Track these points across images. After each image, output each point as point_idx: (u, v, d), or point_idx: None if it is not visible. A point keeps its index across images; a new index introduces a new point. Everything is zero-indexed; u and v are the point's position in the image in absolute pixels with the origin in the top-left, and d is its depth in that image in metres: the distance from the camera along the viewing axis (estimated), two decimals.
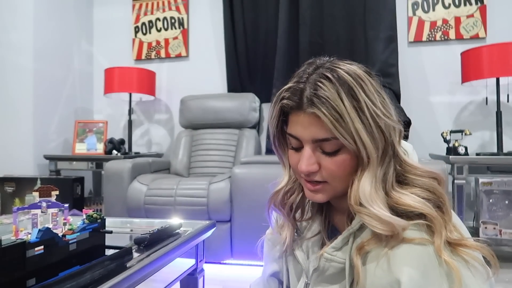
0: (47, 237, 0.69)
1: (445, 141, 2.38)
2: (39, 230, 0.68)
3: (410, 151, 0.71)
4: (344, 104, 0.58)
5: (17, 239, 0.66)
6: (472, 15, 2.68)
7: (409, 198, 0.60)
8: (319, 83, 0.60)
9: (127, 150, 3.00)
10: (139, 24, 3.33)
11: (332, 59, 0.66)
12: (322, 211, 0.75)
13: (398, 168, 0.64)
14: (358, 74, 0.61)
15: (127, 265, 0.80)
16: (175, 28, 3.26)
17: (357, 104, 0.59)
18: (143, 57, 3.32)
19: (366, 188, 0.60)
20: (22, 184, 2.57)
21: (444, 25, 2.73)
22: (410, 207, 0.59)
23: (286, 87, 0.64)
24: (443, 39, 2.74)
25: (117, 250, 0.86)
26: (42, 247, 0.68)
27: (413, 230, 0.58)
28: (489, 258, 0.58)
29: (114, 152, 2.83)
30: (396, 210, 0.60)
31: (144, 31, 3.32)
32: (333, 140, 0.60)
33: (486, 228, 2.21)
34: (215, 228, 1.28)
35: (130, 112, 3.05)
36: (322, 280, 0.66)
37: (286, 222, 0.75)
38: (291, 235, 0.74)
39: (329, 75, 0.60)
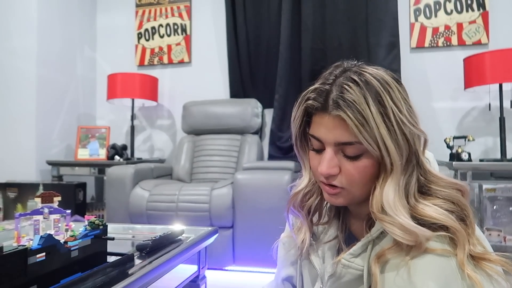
0: (49, 243, 0.69)
1: (448, 147, 2.37)
2: (41, 237, 0.68)
3: (432, 160, 0.70)
4: (370, 109, 0.57)
5: (18, 246, 0.66)
6: (474, 21, 2.68)
7: (432, 210, 0.58)
8: (346, 86, 0.59)
9: (129, 156, 3.00)
10: (142, 30, 3.35)
11: (360, 63, 0.65)
12: (339, 216, 0.74)
13: (421, 178, 0.63)
14: (386, 80, 0.61)
15: (129, 272, 0.80)
16: (178, 34, 3.27)
17: (383, 110, 0.58)
18: (146, 63, 3.33)
19: (390, 196, 0.58)
20: (25, 190, 2.57)
21: (446, 31, 2.74)
22: (433, 219, 0.57)
23: (312, 88, 0.64)
24: (445, 45, 2.73)
25: (119, 257, 0.86)
26: (43, 254, 0.68)
27: (435, 242, 0.56)
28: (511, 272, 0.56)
29: (117, 157, 2.83)
30: (418, 220, 0.58)
31: (147, 37, 3.34)
32: (356, 145, 0.59)
33: (490, 234, 2.20)
34: (217, 234, 1.27)
35: (133, 117, 3.06)
36: (338, 286, 0.65)
37: (303, 225, 0.74)
38: (308, 239, 0.73)
39: (357, 79, 0.60)
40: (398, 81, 0.63)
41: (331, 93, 0.60)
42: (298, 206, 0.73)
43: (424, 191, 0.62)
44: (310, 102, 0.63)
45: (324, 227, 0.75)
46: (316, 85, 0.63)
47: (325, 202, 0.74)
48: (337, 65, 0.65)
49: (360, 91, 0.58)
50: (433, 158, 0.72)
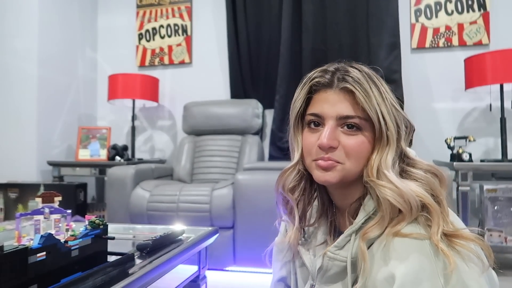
0: (49, 243, 0.69)
1: (449, 147, 2.37)
2: (41, 236, 0.68)
3: (412, 157, 0.71)
4: (372, 89, 0.64)
5: (19, 245, 0.66)
6: (475, 22, 2.68)
7: (414, 185, 0.62)
8: (349, 69, 0.67)
9: (130, 156, 3.00)
10: (143, 31, 3.35)
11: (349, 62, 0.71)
12: (327, 215, 0.76)
13: (400, 163, 0.67)
14: (375, 75, 0.68)
15: (129, 272, 0.80)
16: (179, 35, 3.27)
17: (380, 94, 0.65)
18: (146, 63, 3.34)
19: (389, 160, 0.64)
20: (26, 190, 2.57)
21: (447, 31, 2.73)
22: (415, 192, 0.60)
23: (316, 70, 0.70)
24: (446, 45, 2.73)
25: (119, 257, 0.86)
26: (44, 253, 0.68)
27: (410, 225, 0.59)
28: (485, 249, 0.58)
29: (117, 158, 2.83)
30: None
31: (147, 38, 3.34)
32: (356, 119, 0.64)
33: (491, 235, 2.19)
34: (217, 234, 1.27)
35: (133, 118, 3.06)
36: (326, 280, 0.67)
37: (291, 219, 0.75)
38: (296, 234, 0.74)
39: (357, 67, 0.68)
40: (383, 78, 0.70)
41: (336, 73, 0.67)
42: (288, 190, 0.74)
43: (402, 174, 0.66)
44: (317, 79, 0.68)
45: (314, 228, 0.76)
46: (320, 68, 0.70)
47: (310, 206, 0.76)
48: (336, 61, 0.71)
49: (362, 75, 0.66)
50: (414, 155, 0.74)
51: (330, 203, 0.76)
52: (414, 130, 0.72)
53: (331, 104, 0.66)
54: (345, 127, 0.65)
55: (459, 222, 0.64)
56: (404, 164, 0.67)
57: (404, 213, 0.59)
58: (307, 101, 0.70)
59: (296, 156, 0.73)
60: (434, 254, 0.55)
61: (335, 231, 0.74)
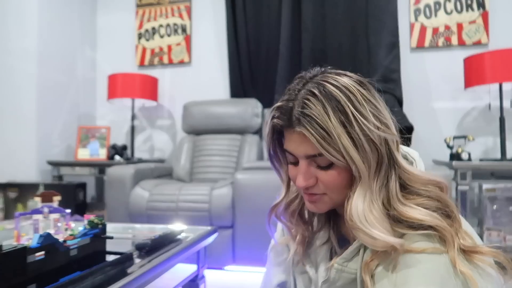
0: (48, 242, 0.69)
1: (448, 147, 2.37)
2: (40, 236, 0.68)
3: (417, 159, 0.70)
4: (331, 120, 0.58)
5: (18, 244, 0.66)
6: (474, 21, 2.68)
7: (416, 212, 0.58)
8: (305, 101, 0.60)
9: (129, 156, 3.00)
10: (142, 31, 3.35)
11: (323, 70, 0.65)
12: (330, 221, 0.75)
13: (400, 179, 0.63)
14: (347, 87, 0.60)
15: (128, 271, 0.80)
16: (178, 35, 3.27)
17: (345, 118, 0.58)
18: (146, 63, 3.34)
19: (359, 206, 0.59)
20: (25, 190, 2.57)
21: (446, 31, 2.74)
22: (418, 221, 0.57)
23: (277, 105, 0.65)
24: (445, 45, 2.73)
25: (118, 256, 0.86)
26: (43, 252, 0.68)
27: (424, 241, 0.56)
28: (505, 263, 0.56)
29: (117, 157, 2.83)
30: (405, 222, 0.58)
31: (147, 38, 3.34)
32: (323, 156, 0.60)
33: (490, 234, 2.19)
34: (216, 234, 1.27)
35: (133, 117, 3.06)
36: None
37: (295, 232, 0.74)
38: (302, 244, 0.73)
39: (316, 92, 0.60)
40: (361, 83, 0.63)
41: (293, 109, 0.61)
42: (281, 215, 0.74)
43: (407, 189, 0.63)
44: (275, 121, 0.64)
45: (315, 234, 0.75)
46: (280, 103, 0.64)
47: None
48: (300, 76, 0.66)
49: (319, 104, 0.59)
50: (418, 156, 0.72)
51: (333, 210, 0.74)
52: (413, 130, 0.69)
53: (296, 144, 0.63)
54: (317, 164, 0.63)
55: (472, 231, 0.62)
56: (402, 178, 0.63)
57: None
58: (280, 131, 0.67)
59: (283, 191, 0.73)
60: (454, 270, 0.53)
61: (337, 232, 0.73)
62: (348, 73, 0.64)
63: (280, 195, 0.74)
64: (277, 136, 0.68)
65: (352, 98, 0.59)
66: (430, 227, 0.57)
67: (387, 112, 0.64)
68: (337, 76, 0.62)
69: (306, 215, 0.75)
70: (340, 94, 0.59)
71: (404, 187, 0.63)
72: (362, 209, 0.58)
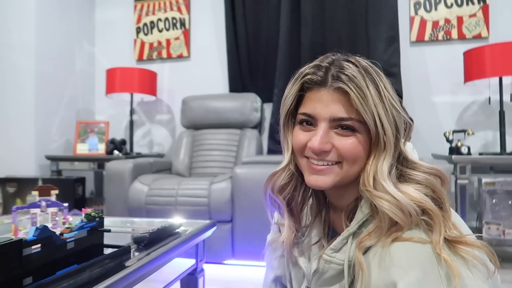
0: (44, 235, 0.69)
1: (448, 141, 2.37)
2: (36, 228, 0.68)
3: (410, 150, 0.70)
4: (369, 87, 0.60)
5: (13, 238, 0.66)
6: (474, 15, 2.67)
7: (412, 190, 0.59)
8: (345, 64, 0.61)
9: (128, 151, 2.99)
10: (141, 25, 3.33)
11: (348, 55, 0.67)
12: (321, 214, 0.73)
13: (398, 166, 0.63)
14: (376, 70, 0.63)
15: (126, 264, 0.79)
16: (177, 29, 3.26)
17: (378, 91, 0.60)
18: (144, 57, 3.32)
19: (385, 170, 0.60)
20: (24, 185, 2.57)
21: (446, 24, 2.72)
22: (413, 200, 0.57)
23: (309, 65, 0.65)
24: (445, 38, 2.72)
25: (115, 249, 0.86)
26: (39, 245, 0.68)
27: (410, 230, 0.57)
28: (490, 256, 0.56)
29: (116, 152, 2.83)
30: None
31: (145, 32, 3.32)
32: (351, 121, 0.60)
33: (489, 228, 2.20)
34: (215, 227, 1.27)
35: (132, 112, 3.05)
36: (322, 283, 0.65)
37: (285, 219, 0.73)
38: (290, 234, 0.72)
39: (353, 61, 0.62)
40: (381, 70, 0.65)
41: (330, 69, 0.62)
42: (278, 191, 0.72)
43: (400, 177, 0.63)
44: (309, 76, 0.63)
45: (308, 227, 0.74)
46: (314, 63, 0.64)
47: (308, 201, 0.74)
48: (327, 55, 0.66)
49: (358, 71, 0.60)
50: (411, 148, 0.72)
51: (325, 202, 0.73)
52: (412, 123, 0.69)
53: (324, 104, 0.61)
54: (339, 128, 0.62)
55: (462, 224, 0.61)
56: (403, 166, 0.63)
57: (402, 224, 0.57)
58: (299, 97, 0.66)
59: (286, 157, 0.70)
60: (437, 259, 0.53)
61: (329, 230, 0.72)
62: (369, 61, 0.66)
63: (282, 164, 0.72)
64: (297, 99, 0.67)
65: (382, 78, 0.63)
66: (420, 213, 0.57)
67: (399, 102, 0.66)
68: (361, 60, 0.64)
69: (298, 205, 0.73)
70: (373, 71, 0.62)
71: (401, 173, 0.63)
72: (387, 174, 0.60)
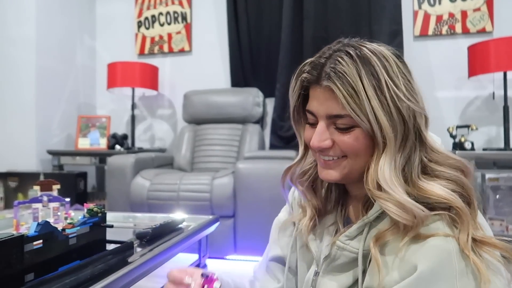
0: (46, 231, 0.68)
1: (451, 136, 2.35)
2: (38, 224, 0.67)
3: (438, 149, 0.68)
4: (362, 81, 0.57)
5: (14, 233, 0.65)
6: (479, 9, 2.64)
7: (437, 187, 0.57)
8: (339, 58, 0.59)
9: (130, 145, 2.98)
10: (142, 19, 3.31)
11: (362, 40, 0.65)
12: (339, 201, 0.73)
13: (424, 159, 0.61)
14: (383, 55, 0.60)
15: (129, 260, 0.79)
16: (178, 23, 3.23)
17: (378, 84, 0.57)
18: (146, 51, 3.30)
19: (385, 171, 0.58)
20: (26, 179, 2.57)
21: (450, 19, 2.69)
22: (439, 197, 0.56)
23: (308, 61, 0.64)
24: (449, 33, 2.70)
25: (118, 245, 0.85)
26: (40, 241, 0.67)
27: (434, 223, 0.55)
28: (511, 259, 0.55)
29: (117, 147, 2.82)
30: (419, 201, 0.56)
31: (147, 26, 3.30)
32: (346, 117, 0.59)
33: (492, 224, 2.19)
34: (218, 223, 1.26)
35: (133, 107, 3.04)
36: (333, 268, 0.65)
37: (307, 200, 0.72)
38: (311, 216, 0.71)
39: (352, 52, 0.59)
40: (399, 57, 0.62)
41: (325, 66, 0.60)
42: (297, 180, 0.72)
43: (427, 172, 0.61)
44: (304, 75, 0.64)
45: (325, 213, 0.73)
46: (313, 59, 0.64)
47: (333, 186, 0.73)
48: (338, 41, 0.65)
49: (352, 64, 0.58)
50: (440, 142, 0.69)
51: (344, 189, 0.73)
52: (427, 118, 0.66)
53: (320, 102, 0.61)
54: (338, 124, 0.61)
55: (485, 224, 0.60)
56: (427, 159, 0.61)
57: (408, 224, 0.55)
58: (306, 89, 0.66)
59: (300, 151, 0.71)
60: (457, 254, 0.52)
61: (344, 217, 0.72)
62: (386, 46, 0.63)
63: (296, 158, 0.73)
64: (303, 96, 0.67)
65: (387, 65, 0.59)
66: (446, 209, 0.56)
67: (420, 91, 0.64)
68: (375, 44, 0.62)
69: (320, 190, 0.73)
70: (375, 59, 0.59)
71: (426, 168, 0.61)
72: (389, 175, 0.57)
